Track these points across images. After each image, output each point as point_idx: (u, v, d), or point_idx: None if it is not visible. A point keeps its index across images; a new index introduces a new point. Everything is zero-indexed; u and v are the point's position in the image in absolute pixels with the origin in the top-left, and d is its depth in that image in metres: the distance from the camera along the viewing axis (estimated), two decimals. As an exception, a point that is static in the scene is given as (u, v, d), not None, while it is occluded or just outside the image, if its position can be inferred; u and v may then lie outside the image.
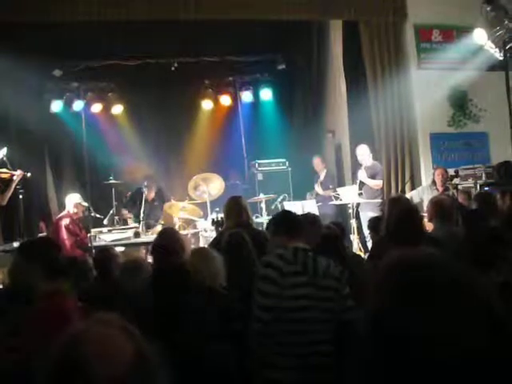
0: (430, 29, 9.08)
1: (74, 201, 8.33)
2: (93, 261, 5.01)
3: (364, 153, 8.88)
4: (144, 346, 1.37)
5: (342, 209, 8.81)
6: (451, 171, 8.27)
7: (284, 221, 3.68)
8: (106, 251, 5.00)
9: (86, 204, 8.37)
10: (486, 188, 7.99)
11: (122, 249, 7.82)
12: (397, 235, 4.45)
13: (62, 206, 9.67)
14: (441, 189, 7.96)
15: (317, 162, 10.08)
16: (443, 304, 1.08)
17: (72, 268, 4.02)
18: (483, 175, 8.28)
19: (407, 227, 4.61)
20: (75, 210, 8.29)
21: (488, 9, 6.81)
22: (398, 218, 4.90)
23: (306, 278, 3.22)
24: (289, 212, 4.03)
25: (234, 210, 5.56)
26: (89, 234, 8.10)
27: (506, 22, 6.72)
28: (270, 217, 4.20)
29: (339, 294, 3.28)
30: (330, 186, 9.17)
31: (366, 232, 8.52)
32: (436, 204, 5.55)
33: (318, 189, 9.53)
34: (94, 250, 7.95)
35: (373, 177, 8.75)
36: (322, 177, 9.68)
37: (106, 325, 1.39)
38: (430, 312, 1.07)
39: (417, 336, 1.08)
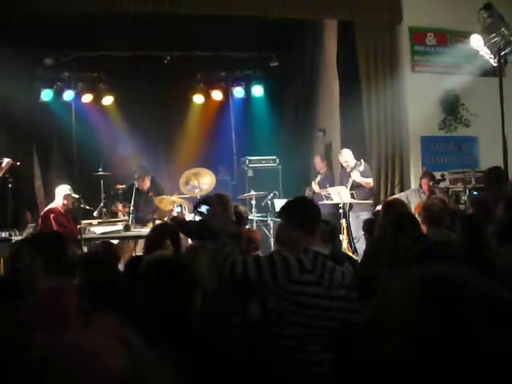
0: (424, 32, 9.14)
1: (64, 192, 8.24)
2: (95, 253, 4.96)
3: (348, 159, 8.91)
4: (141, 360, 1.31)
5: (334, 208, 8.84)
6: (438, 175, 8.36)
7: (305, 214, 3.30)
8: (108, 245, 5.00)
9: (76, 196, 8.29)
10: (475, 193, 8.09)
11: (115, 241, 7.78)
12: (395, 238, 4.52)
13: (48, 197, 9.59)
14: (428, 193, 8.04)
15: (317, 160, 10.07)
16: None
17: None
18: (473, 180, 8.38)
19: (403, 230, 4.68)
20: (65, 202, 8.20)
21: (485, 15, 6.87)
22: (393, 221, 4.97)
23: (319, 289, 3.09)
24: (307, 201, 3.65)
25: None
26: (78, 226, 8.02)
27: (503, 29, 6.78)
28: (282, 203, 3.61)
29: (349, 300, 3.21)
30: (327, 186, 9.18)
31: (355, 232, 8.60)
32: (426, 209, 5.62)
33: (315, 187, 9.55)
34: (83, 242, 7.92)
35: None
36: (320, 177, 9.68)
37: (97, 333, 1.33)
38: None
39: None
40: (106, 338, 1.30)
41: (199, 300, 2.78)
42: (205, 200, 3.68)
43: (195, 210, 3.66)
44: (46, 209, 8.35)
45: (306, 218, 3.28)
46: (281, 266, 3.08)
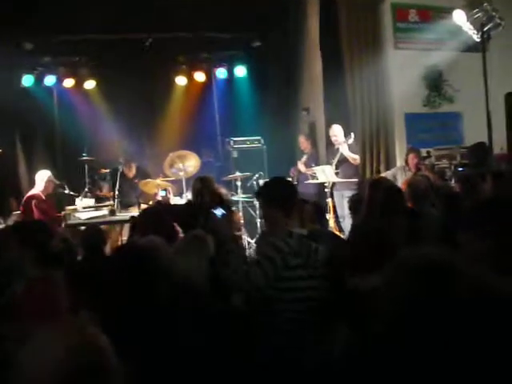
0: (407, 8, 9.10)
1: (44, 178, 8.17)
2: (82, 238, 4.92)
3: (338, 134, 8.88)
4: (102, 360, 1.31)
5: (320, 188, 8.84)
6: (424, 151, 8.37)
7: (280, 195, 3.33)
8: (95, 228, 4.96)
9: (57, 181, 8.22)
10: (460, 169, 8.12)
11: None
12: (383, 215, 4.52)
13: (32, 183, 9.50)
14: (414, 170, 8.05)
15: (302, 140, 10.04)
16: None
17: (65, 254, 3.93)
18: (458, 156, 8.41)
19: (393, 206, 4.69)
20: (46, 187, 8.13)
21: (467, -10, 6.84)
22: (383, 198, 4.97)
23: (308, 271, 3.13)
24: (283, 182, 3.64)
25: (196, 191, 5.58)
26: (63, 212, 7.96)
27: (485, 4, 6.76)
28: (261, 184, 3.70)
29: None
30: (313, 165, 9.17)
31: (340, 211, 8.61)
32: (411, 186, 5.64)
33: (300, 166, 9.52)
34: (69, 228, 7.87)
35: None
36: (305, 156, 9.66)
37: (62, 332, 1.34)
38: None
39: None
40: (71, 336, 1.30)
41: (167, 291, 2.72)
42: (224, 204, 3.63)
43: (211, 210, 3.61)
44: (27, 195, 8.26)
45: (281, 199, 3.30)
46: (279, 262, 3.09)
